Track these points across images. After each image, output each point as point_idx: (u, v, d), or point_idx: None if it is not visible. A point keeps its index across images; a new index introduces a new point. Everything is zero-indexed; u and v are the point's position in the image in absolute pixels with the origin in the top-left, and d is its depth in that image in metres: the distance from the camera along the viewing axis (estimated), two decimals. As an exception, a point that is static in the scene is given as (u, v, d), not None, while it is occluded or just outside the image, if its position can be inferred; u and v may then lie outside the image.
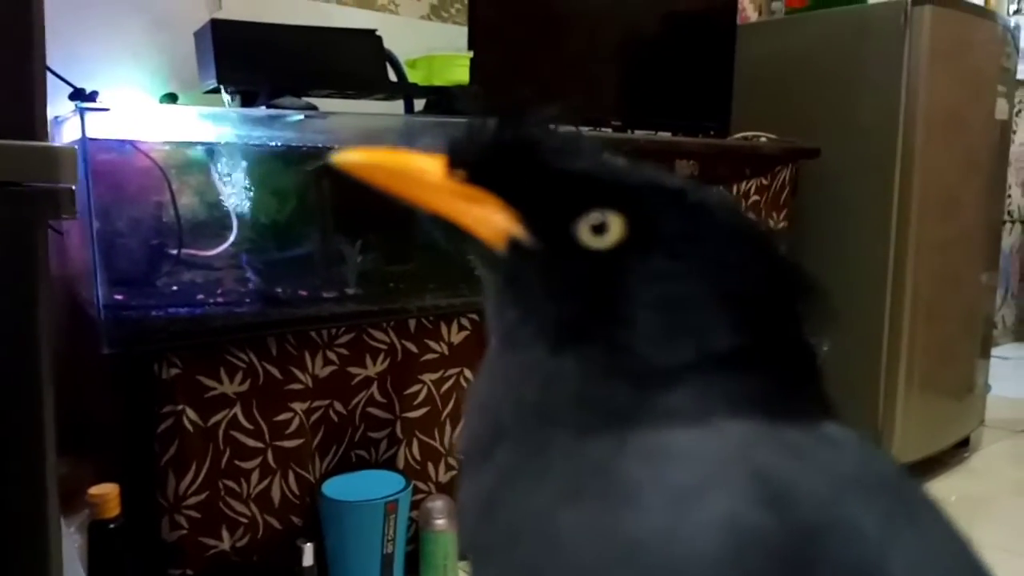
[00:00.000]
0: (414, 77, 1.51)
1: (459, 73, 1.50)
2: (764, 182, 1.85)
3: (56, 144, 0.68)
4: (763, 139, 1.88)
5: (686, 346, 0.32)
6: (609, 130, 1.80)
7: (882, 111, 1.85)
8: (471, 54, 1.51)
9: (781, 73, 2.01)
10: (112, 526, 1.16)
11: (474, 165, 0.35)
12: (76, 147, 0.67)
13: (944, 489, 1.91)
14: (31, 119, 0.64)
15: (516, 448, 0.33)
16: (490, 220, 0.35)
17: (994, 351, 2.38)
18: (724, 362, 0.32)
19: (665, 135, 1.84)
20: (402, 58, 1.47)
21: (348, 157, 0.35)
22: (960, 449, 2.15)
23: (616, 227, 0.33)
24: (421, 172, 0.35)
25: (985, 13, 2.09)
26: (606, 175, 0.34)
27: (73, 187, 0.65)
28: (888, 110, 1.84)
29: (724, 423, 0.31)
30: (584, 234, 0.33)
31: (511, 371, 0.35)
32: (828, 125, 1.92)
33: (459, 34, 1.65)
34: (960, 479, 2.02)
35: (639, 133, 1.80)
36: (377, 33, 1.38)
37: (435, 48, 1.58)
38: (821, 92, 1.95)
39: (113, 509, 1.15)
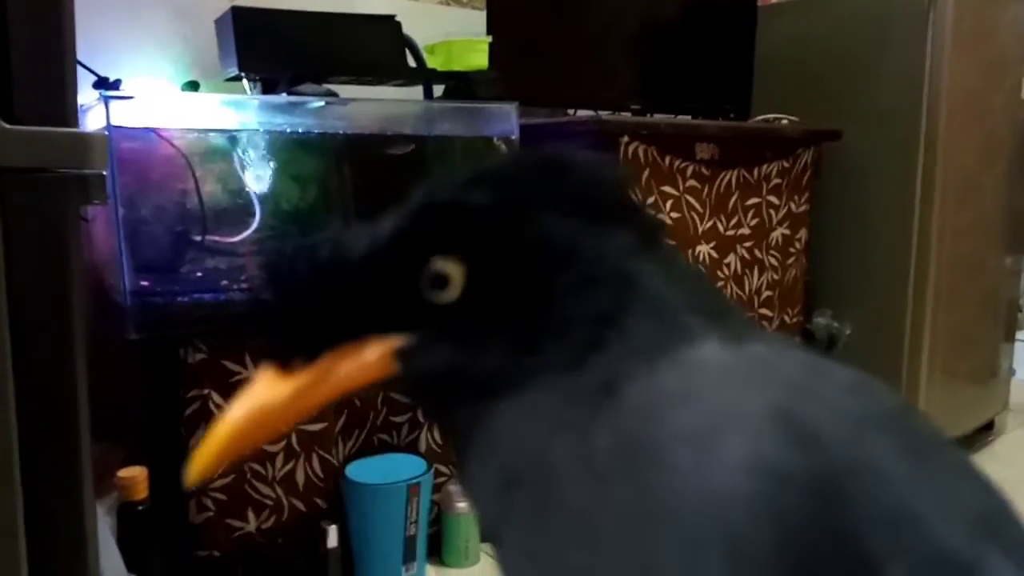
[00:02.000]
0: (433, 62, 1.51)
1: (478, 58, 1.50)
2: (785, 165, 1.83)
3: (86, 131, 0.68)
4: (784, 122, 1.86)
5: (579, 315, 0.31)
6: (628, 114, 1.80)
7: (905, 94, 1.82)
8: (490, 39, 1.51)
9: (802, 55, 1.99)
10: (140, 508, 1.18)
11: (297, 343, 0.32)
12: (106, 135, 0.68)
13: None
14: (62, 106, 0.65)
15: (527, 489, 0.31)
16: (362, 363, 0.33)
17: (1018, 335, 2.35)
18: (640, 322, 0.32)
19: (685, 118, 1.83)
20: (421, 44, 1.47)
21: (198, 464, 0.33)
22: (984, 433, 2.13)
23: (455, 272, 0.32)
24: (269, 402, 0.33)
25: (1010, -6, 2.05)
26: (398, 238, 0.32)
27: (104, 172, 0.66)
28: (911, 93, 1.81)
29: (698, 351, 0.30)
30: (435, 296, 0.32)
31: (484, 450, 0.33)
32: (850, 108, 1.90)
33: (478, 19, 1.65)
34: (984, 463, 1.99)
35: (659, 116, 1.79)
36: (396, 19, 1.38)
37: (453, 33, 1.58)
38: (843, 75, 1.92)
39: (141, 492, 1.17)
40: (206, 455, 0.32)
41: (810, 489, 0.26)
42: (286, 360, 0.33)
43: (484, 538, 1.45)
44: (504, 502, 0.32)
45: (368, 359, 0.33)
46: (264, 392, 0.33)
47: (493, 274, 0.32)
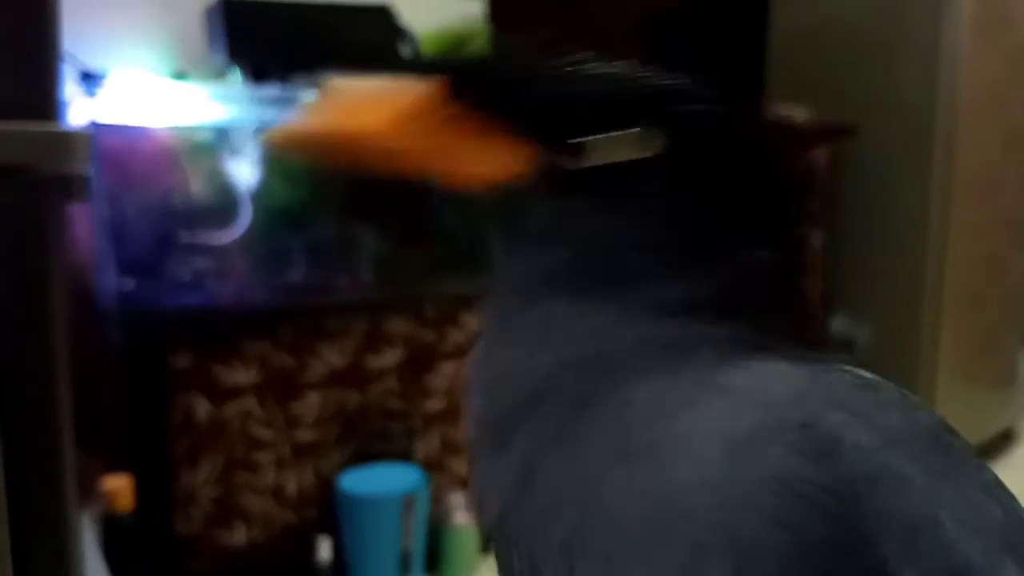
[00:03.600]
0: (430, 52, 1.47)
1: (476, 47, 1.46)
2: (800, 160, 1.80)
3: (69, 128, 0.66)
4: (799, 117, 1.82)
5: (703, 279, 0.33)
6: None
7: (922, 86, 1.78)
8: (488, 27, 1.48)
9: (817, 47, 1.96)
10: (124, 520, 1.16)
11: (477, 92, 0.32)
12: (90, 131, 0.65)
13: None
14: (44, 100, 0.62)
15: (554, 411, 0.32)
16: (497, 154, 0.33)
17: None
18: (742, 295, 0.33)
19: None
20: (418, 33, 1.43)
21: (282, 132, 0.33)
22: (1002, 440, 2.10)
23: (631, 143, 0.32)
24: (382, 127, 0.32)
25: (1030, -17, 2.01)
26: (617, 91, 0.33)
27: (87, 172, 0.64)
28: (928, 85, 1.77)
29: (763, 364, 0.31)
30: (597, 153, 0.32)
31: (538, 330, 0.34)
32: (865, 101, 1.87)
33: (476, 7, 1.61)
34: (1001, 471, 1.93)
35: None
36: (391, 8, 1.34)
37: (451, 22, 1.54)
38: (858, 66, 1.89)
39: (126, 502, 1.16)
40: (292, 128, 0.33)
41: (826, 500, 0.27)
42: (460, 95, 0.33)
43: (484, 550, 1.41)
44: (524, 407, 0.33)
45: (509, 152, 0.33)
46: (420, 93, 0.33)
47: (662, 177, 0.33)
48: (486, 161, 0.33)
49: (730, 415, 0.29)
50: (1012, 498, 0.31)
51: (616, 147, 0.32)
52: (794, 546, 0.27)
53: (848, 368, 0.32)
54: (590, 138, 0.32)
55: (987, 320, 1.95)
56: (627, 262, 0.33)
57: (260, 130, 1.25)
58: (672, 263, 0.33)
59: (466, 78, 0.33)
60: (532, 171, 0.33)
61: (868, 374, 0.32)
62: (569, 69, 0.33)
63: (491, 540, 0.35)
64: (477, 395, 0.36)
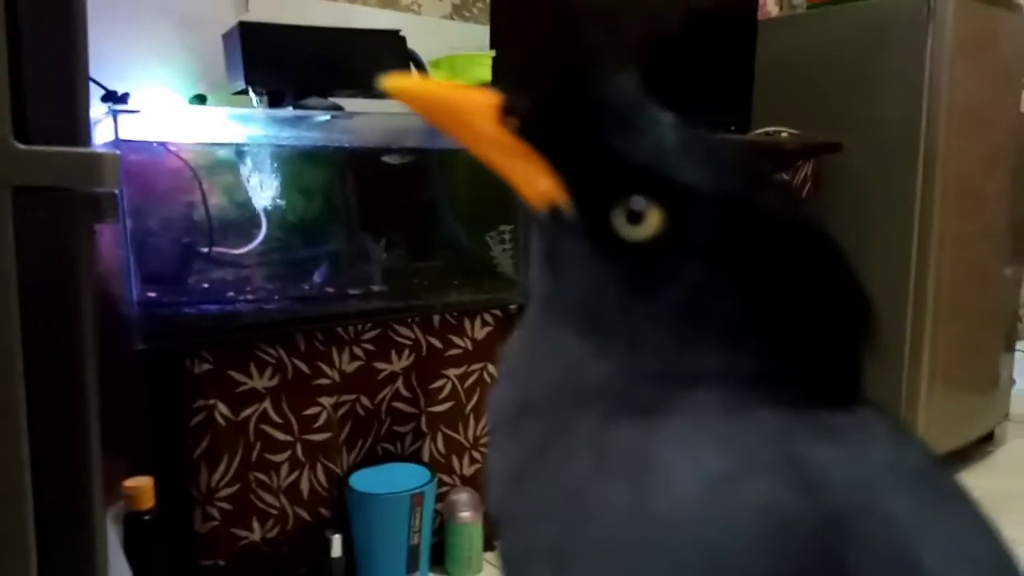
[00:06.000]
0: (437, 77, 1.52)
1: (481, 72, 1.51)
2: (785, 177, 1.84)
3: (99, 150, 0.69)
4: (784, 135, 1.87)
5: (703, 359, 0.31)
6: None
7: (905, 105, 1.83)
8: (493, 53, 1.52)
9: (802, 68, 2.00)
10: (146, 518, 1.18)
11: (527, 118, 0.33)
12: (118, 151, 0.69)
13: (967, 484, 1.89)
14: (74, 124, 0.65)
15: (542, 424, 0.33)
16: (534, 180, 0.33)
17: (1018, 345, 2.36)
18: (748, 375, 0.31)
19: (686, 131, 1.83)
20: (425, 58, 1.48)
21: (402, 82, 0.33)
22: (984, 444, 2.13)
23: (653, 220, 0.31)
24: (472, 112, 0.33)
25: (1010, 5, 2.06)
26: (655, 162, 0.31)
27: (116, 191, 0.66)
28: (911, 104, 1.82)
29: (757, 412, 0.30)
30: (619, 220, 0.31)
31: (542, 348, 0.34)
32: (850, 120, 1.91)
33: (481, 33, 1.66)
34: (984, 474, 2.00)
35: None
36: (401, 33, 1.39)
37: (457, 47, 1.59)
38: (843, 87, 1.93)
39: (147, 501, 1.18)
40: (411, 83, 0.33)
41: (813, 530, 0.27)
42: (511, 111, 0.33)
43: (487, 547, 1.45)
44: (521, 412, 0.33)
45: (540, 183, 0.33)
46: (477, 99, 0.33)
47: (679, 255, 0.32)
48: (527, 180, 0.33)
49: (716, 442, 0.29)
50: (999, 534, 0.31)
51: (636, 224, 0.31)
52: (776, 573, 0.27)
53: (850, 406, 0.32)
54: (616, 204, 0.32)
55: (969, 327, 1.97)
56: (618, 319, 0.32)
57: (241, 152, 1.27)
58: (665, 339, 0.32)
59: (520, 96, 0.33)
60: (550, 206, 0.33)
61: (869, 411, 0.32)
62: (622, 115, 0.32)
63: (495, 520, 0.36)
64: (498, 381, 0.37)
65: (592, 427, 0.31)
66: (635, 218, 0.31)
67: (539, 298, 0.35)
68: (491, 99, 0.33)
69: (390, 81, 0.33)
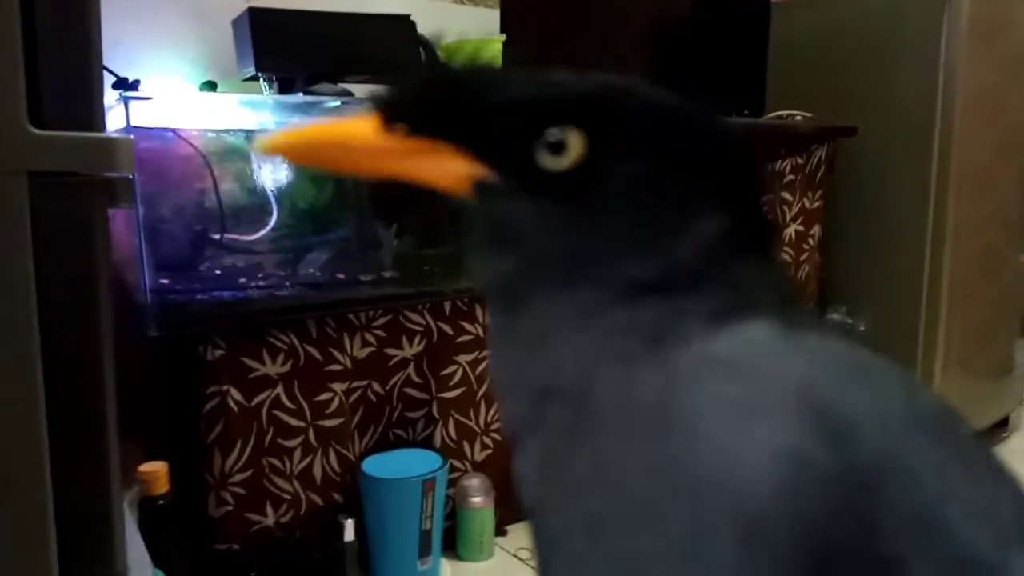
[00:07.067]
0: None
1: (491, 57, 1.50)
2: (799, 161, 1.83)
3: (113, 135, 0.69)
4: (798, 118, 1.86)
5: (676, 251, 0.32)
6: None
7: (920, 89, 1.81)
8: (503, 37, 1.51)
9: (816, 51, 1.98)
10: (161, 502, 1.19)
11: (412, 116, 0.33)
12: (131, 136, 0.69)
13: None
14: (89, 110, 0.65)
15: (563, 407, 0.32)
16: (446, 168, 0.33)
17: (1033, 331, 2.34)
18: (715, 269, 0.32)
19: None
20: (437, 43, 1.47)
21: (274, 140, 0.33)
22: (999, 429, 2.13)
23: (574, 141, 0.32)
24: (355, 138, 0.33)
25: (1026, -12, 2.04)
26: (548, 92, 0.33)
27: (130, 176, 0.67)
28: (926, 88, 1.80)
29: (756, 329, 0.31)
30: (545, 158, 0.32)
31: (534, 326, 0.33)
32: (865, 104, 1.89)
33: (491, 17, 1.65)
34: (997, 460, 1.99)
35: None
36: (411, 18, 1.39)
37: (467, 32, 1.58)
38: (857, 71, 1.92)
39: (162, 486, 1.19)
40: (281, 137, 0.33)
41: (838, 482, 0.27)
42: (392, 118, 0.33)
43: (499, 532, 1.46)
44: (537, 409, 0.33)
45: (453, 167, 0.33)
46: (354, 127, 0.33)
47: (610, 164, 0.32)
48: (436, 173, 0.33)
49: (739, 388, 0.29)
50: (1018, 483, 0.31)
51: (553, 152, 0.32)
52: (802, 521, 0.26)
53: (840, 339, 0.32)
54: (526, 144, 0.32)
55: (983, 313, 1.97)
56: (590, 250, 0.32)
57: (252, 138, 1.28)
58: (637, 245, 0.32)
59: (394, 101, 0.33)
60: (474, 182, 0.33)
61: (884, 360, 0.32)
62: (492, 79, 0.33)
63: (529, 516, 0.36)
64: (501, 395, 0.36)
65: (612, 385, 0.31)
66: (558, 148, 0.32)
67: (502, 285, 0.35)
68: (367, 119, 0.33)
69: (260, 143, 0.33)
